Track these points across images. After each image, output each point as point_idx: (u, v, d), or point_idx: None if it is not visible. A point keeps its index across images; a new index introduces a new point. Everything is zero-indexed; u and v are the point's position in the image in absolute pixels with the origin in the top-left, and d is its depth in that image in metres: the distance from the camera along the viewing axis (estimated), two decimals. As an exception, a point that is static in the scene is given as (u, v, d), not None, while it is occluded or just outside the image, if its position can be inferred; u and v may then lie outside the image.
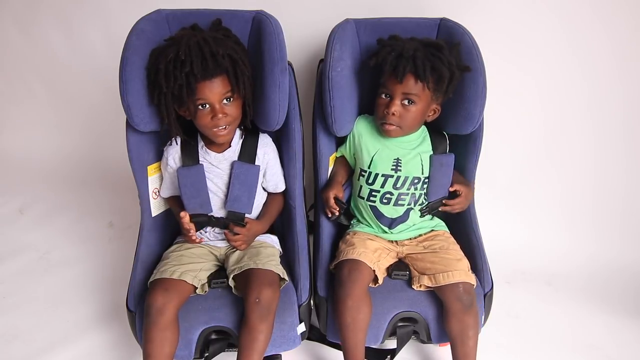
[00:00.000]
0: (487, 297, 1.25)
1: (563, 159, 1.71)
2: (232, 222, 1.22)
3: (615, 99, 1.59)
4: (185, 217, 1.15)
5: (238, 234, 1.20)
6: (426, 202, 1.28)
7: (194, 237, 1.19)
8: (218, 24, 1.17)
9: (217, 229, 1.26)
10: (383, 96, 1.18)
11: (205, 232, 1.27)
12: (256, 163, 1.23)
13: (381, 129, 1.22)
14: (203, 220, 1.22)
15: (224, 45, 1.08)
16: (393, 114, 1.16)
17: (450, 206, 1.27)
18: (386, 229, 1.28)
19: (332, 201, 1.24)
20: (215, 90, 1.08)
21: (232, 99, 1.12)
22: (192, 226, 1.17)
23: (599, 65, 1.55)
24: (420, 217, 1.28)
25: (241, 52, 1.12)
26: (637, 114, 1.60)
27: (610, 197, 1.72)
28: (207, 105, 1.09)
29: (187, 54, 1.03)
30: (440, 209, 1.28)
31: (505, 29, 1.52)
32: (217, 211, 1.23)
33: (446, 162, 1.26)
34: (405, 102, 1.16)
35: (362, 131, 1.29)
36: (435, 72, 1.12)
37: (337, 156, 1.36)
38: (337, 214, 1.26)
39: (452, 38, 1.21)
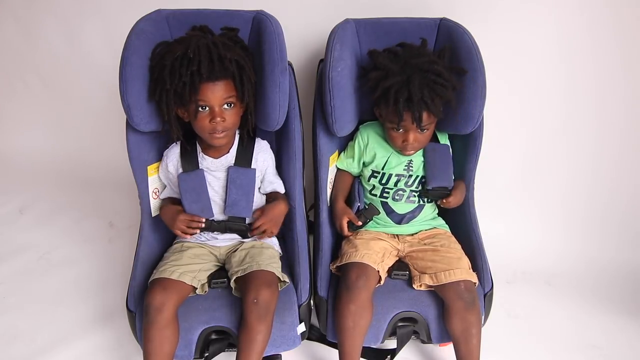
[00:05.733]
0: (487, 297, 1.25)
1: (563, 159, 1.71)
2: (233, 224, 1.23)
3: (616, 98, 1.58)
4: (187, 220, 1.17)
5: (259, 225, 1.20)
6: (425, 189, 1.28)
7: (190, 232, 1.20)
8: (229, 30, 1.17)
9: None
10: (395, 129, 1.19)
11: (205, 232, 1.27)
12: (253, 167, 1.23)
13: (400, 152, 1.25)
14: (204, 225, 1.22)
15: (232, 51, 1.09)
16: (412, 143, 1.19)
17: (446, 202, 1.26)
18: (394, 224, 1.29)
19: (346, 229, 1.26)
20: (217, 94, 1.08)
21: (233, 105, 1.12)
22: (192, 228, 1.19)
23: (600, 65, 1.54)
24: (419, 198, 1.28)
25: (248, 60, 1.12)
26: (638, 115, 1.60)
27: (611, 198, 1.72)
28: (207, 108, 1.10)
29: (195, 52, 1.04)
30: (438, 202, 1.28)
31: (505, 28, 1.52)
32: (217, 216, 1.23)
33: (439, 149, 1.27)
34: (419, 130, 1.18)
35: (369, 140, 1.30)
36: (442, 99, 1.13)
37: (338, 166, 1.36)
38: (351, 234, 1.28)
39: (452, 38, 1.21)
